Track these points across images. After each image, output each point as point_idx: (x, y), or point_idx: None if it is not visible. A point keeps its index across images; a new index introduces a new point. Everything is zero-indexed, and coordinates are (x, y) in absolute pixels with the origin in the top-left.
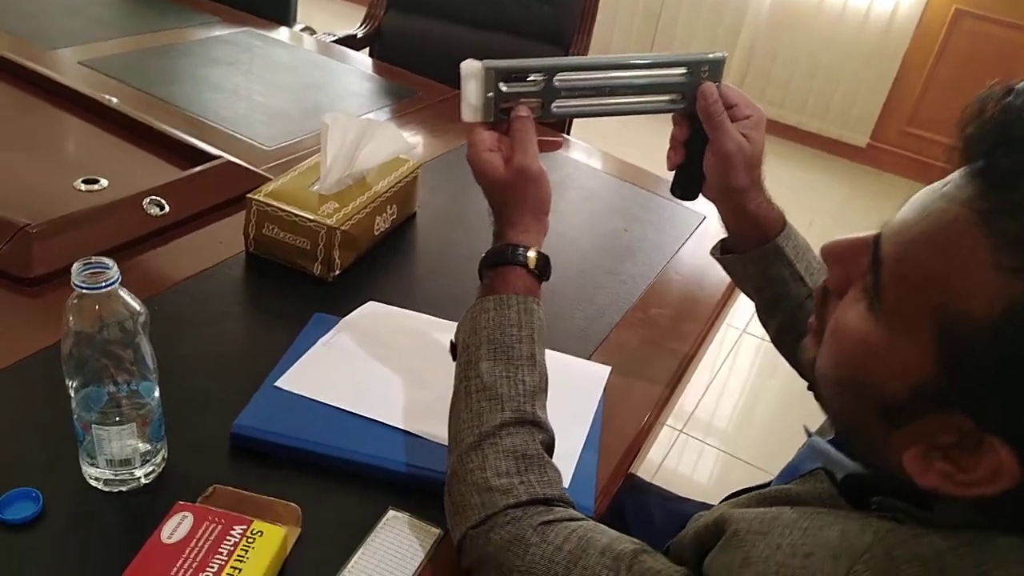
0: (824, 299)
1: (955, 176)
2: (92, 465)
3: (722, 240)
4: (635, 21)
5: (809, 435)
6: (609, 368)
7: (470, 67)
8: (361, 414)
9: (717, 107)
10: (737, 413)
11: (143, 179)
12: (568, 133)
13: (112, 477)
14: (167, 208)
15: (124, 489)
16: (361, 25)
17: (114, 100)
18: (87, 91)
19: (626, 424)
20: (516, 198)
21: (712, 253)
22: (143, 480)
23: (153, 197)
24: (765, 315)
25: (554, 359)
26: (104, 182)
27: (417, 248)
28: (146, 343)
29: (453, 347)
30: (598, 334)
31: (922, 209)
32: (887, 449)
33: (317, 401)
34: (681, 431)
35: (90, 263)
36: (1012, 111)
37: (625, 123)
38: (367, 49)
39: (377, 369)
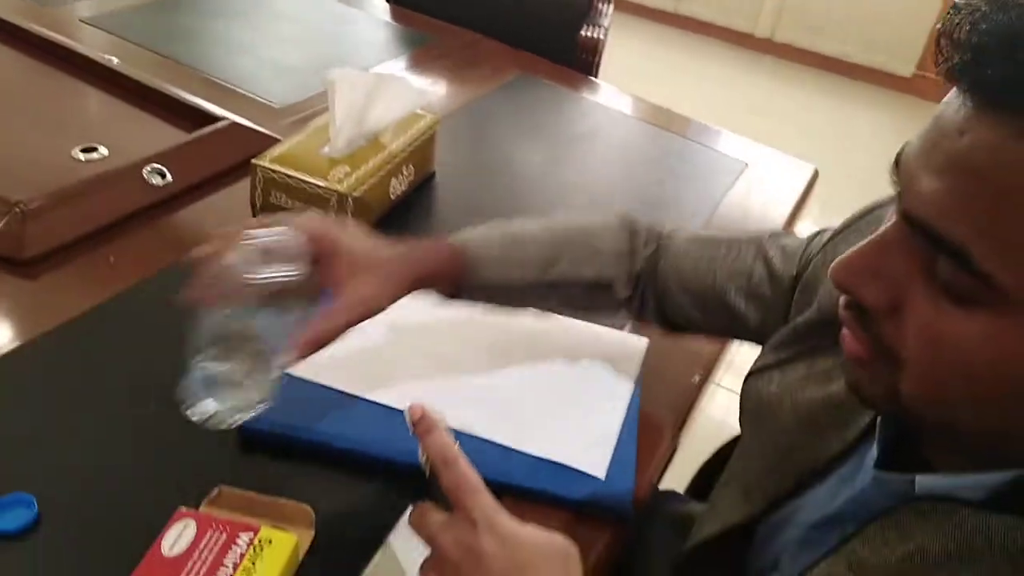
0: (861, 319)
1: (963, 108)
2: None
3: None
4: None
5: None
6: (646, 340)
7: None
8: (379, 402)
9: None
10: None
11: (145, 145)
12: (596, 75)
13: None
14: (169, 176)
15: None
16: None
17: (114, 60)
18: (86, 51)
19: (669, 396)
20: None
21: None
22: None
23: (154, 165)
24: (576, 309)
25: (582, 333)
26: (103, 150)
27: (436, 211)
28: None
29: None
30: None
31: (956, 164)
32: None
33: (330, 388)
34: None
35: None
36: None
37: (656, 62)
38: None
39: (396, 351)
